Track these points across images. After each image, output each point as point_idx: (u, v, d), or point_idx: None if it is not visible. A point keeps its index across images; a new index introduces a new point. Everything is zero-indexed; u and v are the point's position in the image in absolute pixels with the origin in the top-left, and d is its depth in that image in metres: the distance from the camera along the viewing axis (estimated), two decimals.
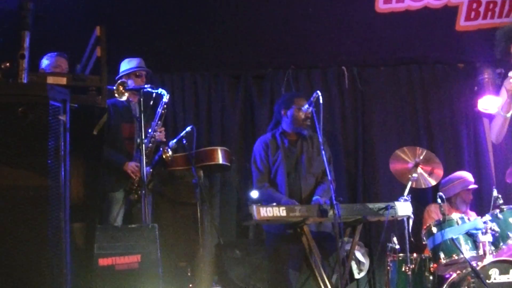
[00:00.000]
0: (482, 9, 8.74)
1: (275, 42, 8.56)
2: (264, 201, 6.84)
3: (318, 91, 6.46)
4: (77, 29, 7.10)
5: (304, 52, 8.80)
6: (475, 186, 8.16)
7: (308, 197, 7.06)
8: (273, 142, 7.24)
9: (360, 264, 7.44)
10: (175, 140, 7.11)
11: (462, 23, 8.71)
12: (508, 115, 5.07)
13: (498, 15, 8.79)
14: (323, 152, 6.36)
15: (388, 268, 7.17)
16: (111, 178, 6.96)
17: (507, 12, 8.78)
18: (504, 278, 6.65)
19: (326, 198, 6.71)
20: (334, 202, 6.09)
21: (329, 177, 6.31)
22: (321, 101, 6.37)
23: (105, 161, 6.90)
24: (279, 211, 6.32)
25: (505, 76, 8.77)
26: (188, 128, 7.16)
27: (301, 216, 6.39)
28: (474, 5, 8.69)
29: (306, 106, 6.66)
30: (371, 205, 6.69)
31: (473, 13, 8.74)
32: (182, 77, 8.85)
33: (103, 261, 5.42)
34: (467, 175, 8.18)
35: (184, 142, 7.14)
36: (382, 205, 6.68)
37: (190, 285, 7.03)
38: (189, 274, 7.17)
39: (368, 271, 7.67)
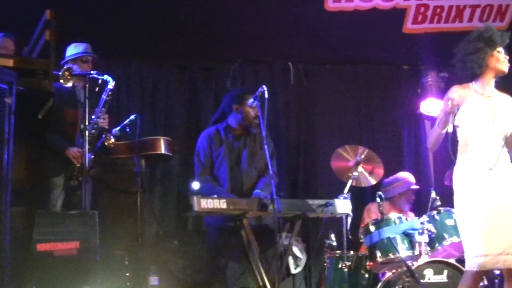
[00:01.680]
0: (429, 13, 8.86)
1: (223, 35, 8.54)
2: (205, 193, 6.83)
3: (264, 86, 6.48)
4: (24, 11, 7.04)
5: (251, 46, 8.81)
6: (417, 186, 8.28)
7: (249, 191, 7.07)
8: (217, 136, 7.24)
9: (297, 259, 7.45)
10: (118, 128, 7.04)
11: (409, 26, 8.81)
12: (443, 131, 5.16)
13: (444, 20, 8.91)
14: (266, 147, 6.38)
15: (325, 264, 7.25)
16: (53, 163, 6.89)
17: (453, 18, 8.90)
18: (438, 278, 6.75)
19: (267, 193, 6.73)
20: (275, 196, 6.12)
21: (271, 172, 6.32)
22: (266, 95, 6.39)
23: (47, 146, 6.85)
24: (219, 203, 6.35)
25: (448, 81, 8.92)
26: (132, 117, 7.11)
27: (241, 209, 6.42)
28: (422, 9, 8.79)
29: (251, 100, 6.68)
30: (310, 202, 6.74)
31: (420, 17, 8.84)
32: (128, 65, 8.80)
33: (41, 247, 5.39)
34: (409, 176, 8.30)
35: (128, 130, 7.09)
36: (322, 201, 6.73)
37: (128, 274, 7.01)
38: (126, 262, 7.14)
39: (305, 267, 7.68)
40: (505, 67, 5.37)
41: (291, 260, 7.30)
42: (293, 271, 7.43)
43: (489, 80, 5.41)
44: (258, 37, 8.67)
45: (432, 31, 8.91)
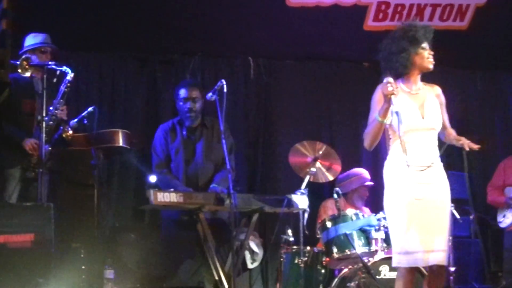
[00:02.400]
0: (390, 11, 8.91)
1: (184, 28, 8.49)
2: (162, 187, 6.83)
3: (223, 80, 6.47)
4: None
5: (212, 40, 8.77)
6: (372, 183, 8.30)
7: (205, 185, 7.12)
8: (173, 130, 7.28)
9: (254, 254, 7.47)
10: (76, 120, 6.98)
11: (370, 23, 8.86)
12: (386, 121, 5.16)
13: (405, 18, 8.97)
14: (224, 141, 6.37)
15: (281, 259, 7.24)
16: (9, 154, 6.83)
17: (414, 16, 8.95)
18: (393, 275, 6.68)
19: (224, 187, 6.75)
20: (231, 191, 6.13)
21: (228, 166, 6.32)
22: (225, 89, 6.39)
23: (3, 136, 6.79)
24: (176, 197, 6.36)
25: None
26: (90, 109, 7.05)
27: (197, 203, 6.44)
28: (383, 7, 8.84)
29: (210, 94, 6.66)
30: (268, 197, 6.79)
31: (381, 14, 8.89)
32: (88, 57, 8.71)
33: None
34: (364, 172, 8.31)
35: (86, 122, 7.04)
36: (279, 197, 6.77)
37: (83, 267, 6.96)
38: (82, 255, 7.10)
39: (262, 262, 7.71)
40: (429, 64, 5.38)
41: (248, 255, 7.31)
42: (250, 266, 7.45)
43: (415, 77, 5.43)
44: (219, 31, 8.64)
45: (393, 28, 8.94)
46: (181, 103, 7.23)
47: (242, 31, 8.73)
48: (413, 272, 5.29)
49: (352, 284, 6.66)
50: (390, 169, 5.36)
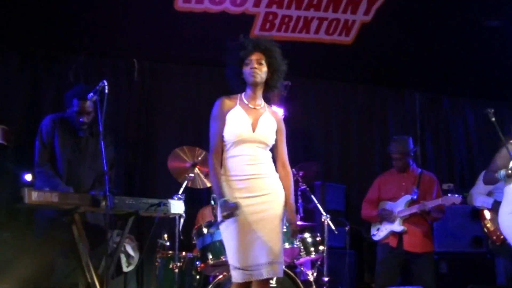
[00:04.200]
0: (277, 22, 9.01)
1: (69, 24, 8.37)
2: (42, 182, 6.78)
3: (105, 81, 6.36)
4: None
5: (97, 39, 8.68)
6: None
7: (86, 186, 7.04)
8: (61, 126, 7.10)
9: (129, 257, 7.43)
10: None
11: (257, 32, 8.93)
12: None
13: (292, 30, 9.10)
14: (102, 142, 6.29)
15: (157, 264, 7.22)
16: None
17: (300, 28, 9.08)
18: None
19: (101, 189, 6.68)
20: (107, 193, 6.06)
21: (105, 167, 6.24)
22: (106, 90, 6.30)
23: None
24: (51, 197, 6.25)
25: (290, 89, 9.07)
26: None
27: (72, 203, 6.35)
28: (271, 17, 8.94)
29: (91, 94, 6.58)
30: (144, 200, 6.72)
31: (268, 24, 8.99)
32: None
33: None
34: None
35: None
36: (156, 201, 6.72)
37: None
38: None
39: (137, 265, 7.67)
40: (250, 78, 5.36)
41: (123, 258, 7.27)
42: (125, 269, 7.41)
43: (255, 92, 5.44)
44: (105, 30, 8.56)
45: (279, 39, 8.99)
46: (73, 113, 7.06)
47: (129, 32, 8.67)
48: (248, 286, 5.18)
49: None
50: (222, 182, 5.32)
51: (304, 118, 9.97)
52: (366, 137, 10.44)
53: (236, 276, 5.09)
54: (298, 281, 6.96)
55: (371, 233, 8.25)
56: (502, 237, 7.49)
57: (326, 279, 7.45)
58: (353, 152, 10.36)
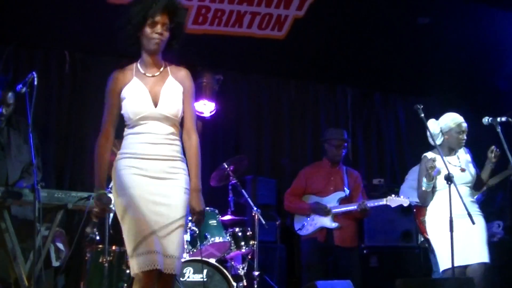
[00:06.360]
0: (210, 15, 8.98)
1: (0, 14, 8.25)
2: None
3: (34, 72, 6.24)
4: None
5: (28, 30, 8.54)
6: None
7: (14, 178, 6.96)
8: None
9: (59, 251, 7.36)
10: None
11: (189, 26, 8.86)
12: None
13: (224, 24, 9.08)
14: (31, 135, 6.20)
15: (86, 258, 7.16)
16: None
17: (233, 22, 9.07)
18: (197, 277, 6.87)
19: (29, 182, 6.59)
20: (36, 186, 5.97)
21: (34, 161, 6.15)
22: (35, 82, 6.20)
23: None
24: None
25: (222, 83, 9.09)
26: None
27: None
28: (203, 11, 8.90)
29: (20, 86, 6.48)
30: (74, 194, 6.63)
31: (201, 18, 8.95)
32: None
33: None
34: None
35: None
36: (85, 194, 6.63)
37: None
38: None
39: (66, 259, 7.58)
40: (151, 45, 4.72)
41: (52, 252, 7.20)
42: (55, 263, 7.34)
43: (153, 58, 4.82)
44: (35, 21, 8.42)
45: (212, 33, 9.05)
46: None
47: (60, 23, 8.53)
48: (149, 276, 4.52)
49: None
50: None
51: (236, 112, 10.01)
52: (298, 132, 10.50)
53: (133, 266, 4.54)
54: (229, 275, 6.97)
55: (295, 228, 8.21)
56: None
57: (256, 273, 7.44)
58: (285, 147, 10.39)
